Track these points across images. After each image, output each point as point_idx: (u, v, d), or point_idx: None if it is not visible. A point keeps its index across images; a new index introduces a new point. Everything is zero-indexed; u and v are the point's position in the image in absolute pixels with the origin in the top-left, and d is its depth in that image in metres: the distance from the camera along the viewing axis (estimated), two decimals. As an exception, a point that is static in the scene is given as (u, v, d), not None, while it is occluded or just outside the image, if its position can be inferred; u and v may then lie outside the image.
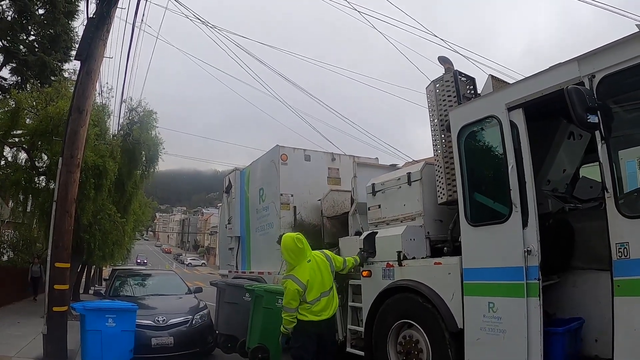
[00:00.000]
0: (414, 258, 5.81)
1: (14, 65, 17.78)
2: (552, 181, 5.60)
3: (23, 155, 15.02)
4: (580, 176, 5.98)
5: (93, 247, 14.62)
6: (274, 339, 6.68)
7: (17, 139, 14.49)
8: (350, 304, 6.97)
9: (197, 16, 11.37)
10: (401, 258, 5.81)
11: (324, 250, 5.84)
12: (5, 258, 20.16)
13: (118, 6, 9.24)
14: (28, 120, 14.19)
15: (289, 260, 5.42)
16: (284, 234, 5.76)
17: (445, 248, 5.66)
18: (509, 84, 5.35)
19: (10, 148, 14.81)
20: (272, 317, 7.00)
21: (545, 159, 5.49)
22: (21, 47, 17.85)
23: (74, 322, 8.51)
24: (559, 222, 5.07)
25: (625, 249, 3.75)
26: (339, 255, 6.33)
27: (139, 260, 43.71)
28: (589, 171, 5.79)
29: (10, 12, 17.17)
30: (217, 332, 8.99)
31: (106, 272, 30.67)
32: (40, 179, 15.19)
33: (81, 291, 23.18)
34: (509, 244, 4.58)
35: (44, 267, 15.74)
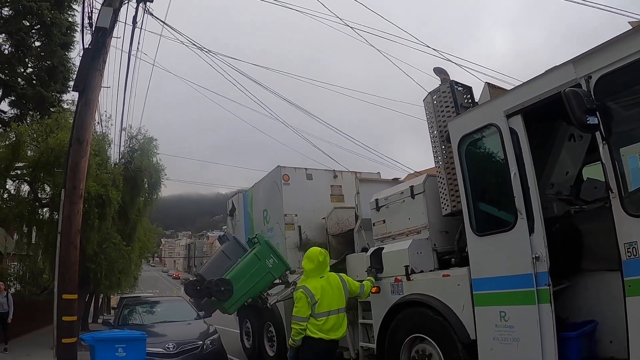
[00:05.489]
0: (421, 272, 5.76)
1: (12, 98, 17.91)
2: (556, 184, 5.55)
3: (25, 188, 15.03)
4: (584, 177, 5.93)
5: (100, 276, 14.62)
6: (242, 285, 7.40)
7: (19, 172, 14.51)
8: (360, 320, 6.92)
9: (192, 41, 11.42)
10: (409, 272, 5.76)
11: (341, 274, 5.80)
12: (12, 291, 19.95)
13: (113, 35, 9.33)
14: (29, 152, 14.23)
15: (305, 268, 5.52)
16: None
17: (452, 259, 5.62)
18: (506, 90, 5.34)
19: (13, 181, 14.81)
20: (253, 266, 7.56)
21: (547, 162, 5.46)
22: (19, 79, 18.00)
23: (84, 352, 8.44)
24: (565, 226, 5.00)
25: (634, 248, 3.71)
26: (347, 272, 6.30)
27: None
28: (594, 169, 5.73)
29: (7, 46, 17.38)
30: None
31: (114, 300, 30.49)
32: (44, 210, 15.23)
33: (90, 320, 23.08)
34: (516, 251, 4.54)
35: (12, 297, 13.84)
